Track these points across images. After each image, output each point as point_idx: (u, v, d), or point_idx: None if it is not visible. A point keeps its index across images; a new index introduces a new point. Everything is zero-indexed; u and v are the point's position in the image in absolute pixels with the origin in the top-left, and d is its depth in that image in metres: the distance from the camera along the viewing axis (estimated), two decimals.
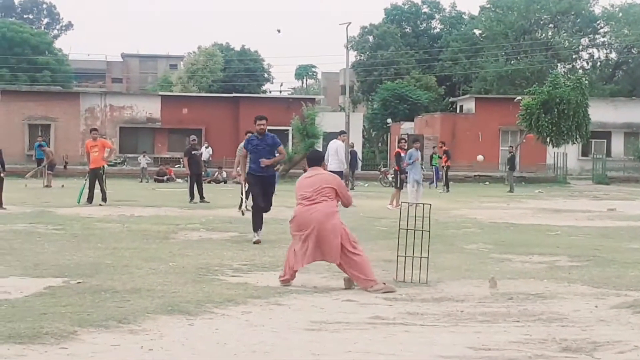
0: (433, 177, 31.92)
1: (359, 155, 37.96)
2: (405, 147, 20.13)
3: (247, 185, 12.62)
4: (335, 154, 18.10)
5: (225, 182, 34.03)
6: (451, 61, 57.89)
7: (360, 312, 6.50)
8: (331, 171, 17.57)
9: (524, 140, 38.90)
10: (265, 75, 68.36)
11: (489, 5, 60.42)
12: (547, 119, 35.04)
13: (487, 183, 36.12)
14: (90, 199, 18.00)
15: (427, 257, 8.01)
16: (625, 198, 25.76)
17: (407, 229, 8.09)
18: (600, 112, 42.27)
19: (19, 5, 76.87)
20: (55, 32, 78.11)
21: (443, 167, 30.26)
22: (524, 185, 34.08)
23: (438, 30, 65.74)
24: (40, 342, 5.15)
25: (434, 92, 55.41)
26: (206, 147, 36.84)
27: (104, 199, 17.96)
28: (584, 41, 59.66)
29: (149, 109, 44.77)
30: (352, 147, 32.99)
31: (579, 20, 58.70)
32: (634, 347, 5.34)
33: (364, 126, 51.78)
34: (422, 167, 20.03)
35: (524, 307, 6.72)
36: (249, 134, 17.65)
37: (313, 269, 8.56)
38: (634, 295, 7.26)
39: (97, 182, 18.18)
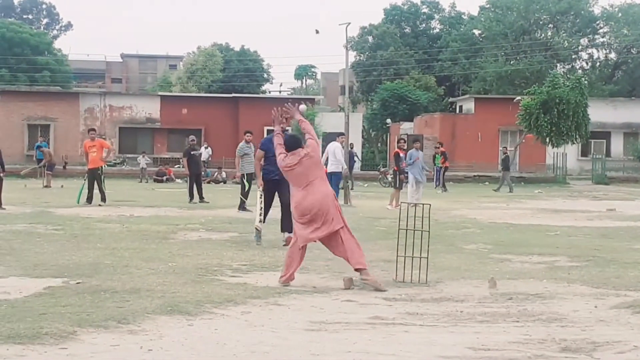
0: (434, 178, 31.80)
1: (358, 155, 37.98)
2: (405, 148, 20.13)
3: (262, 191, 11.32)
4: (333, 155, 18.61)
5: (224, 182, 34.03)
6: (450, 61, 57.84)
7: (359, 312, 6.49)
8: (330, 172, 17.91)
9: (524, 141, 38.87)
10: (265, 75, 68.34)
11: (488, 6, 60.36)
12: (546, 119, 35.00)
13: (486, 183, 36.11)
14: (89, 199, 18.02)
15: (427, 258, 8.02)
16: (625, 198, 25.75)
17: (406, 229, 8.10)
18: (599, 112, 42.25)
19: (19, 6, 76.83)
20: (55, 32, 78.14)
21: (441, 168, 30.32)
22: (523, 186, 34.09)
23: (437, 30, 65.67)
24: (40, 343, 5.14)
25: (433, 92, 55.32)
26: (205, 148, 36.79)
27: (103, 199, 17.96)
28: (584, 41, 59.59)
29: (148, 109, 44.75)
30: (352, 147, 32.98)
31: (578, 20, 58.64)
32: (634, 347, 5.34)
33: (363, 126, 51.73)
34: (424, 167, 19.97)
35: (524, 308, 6.72)
36: (249, 134, 17.84)
37: (313, 269, 8.57)
38: (634, 296, 7.26)
39: (95, 182, 18.20)
